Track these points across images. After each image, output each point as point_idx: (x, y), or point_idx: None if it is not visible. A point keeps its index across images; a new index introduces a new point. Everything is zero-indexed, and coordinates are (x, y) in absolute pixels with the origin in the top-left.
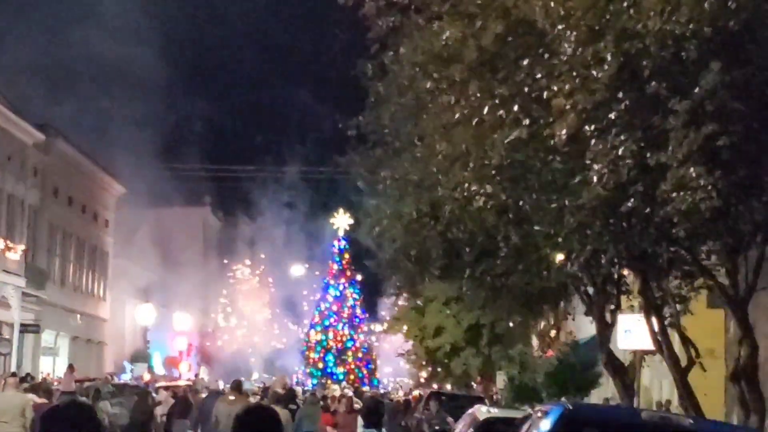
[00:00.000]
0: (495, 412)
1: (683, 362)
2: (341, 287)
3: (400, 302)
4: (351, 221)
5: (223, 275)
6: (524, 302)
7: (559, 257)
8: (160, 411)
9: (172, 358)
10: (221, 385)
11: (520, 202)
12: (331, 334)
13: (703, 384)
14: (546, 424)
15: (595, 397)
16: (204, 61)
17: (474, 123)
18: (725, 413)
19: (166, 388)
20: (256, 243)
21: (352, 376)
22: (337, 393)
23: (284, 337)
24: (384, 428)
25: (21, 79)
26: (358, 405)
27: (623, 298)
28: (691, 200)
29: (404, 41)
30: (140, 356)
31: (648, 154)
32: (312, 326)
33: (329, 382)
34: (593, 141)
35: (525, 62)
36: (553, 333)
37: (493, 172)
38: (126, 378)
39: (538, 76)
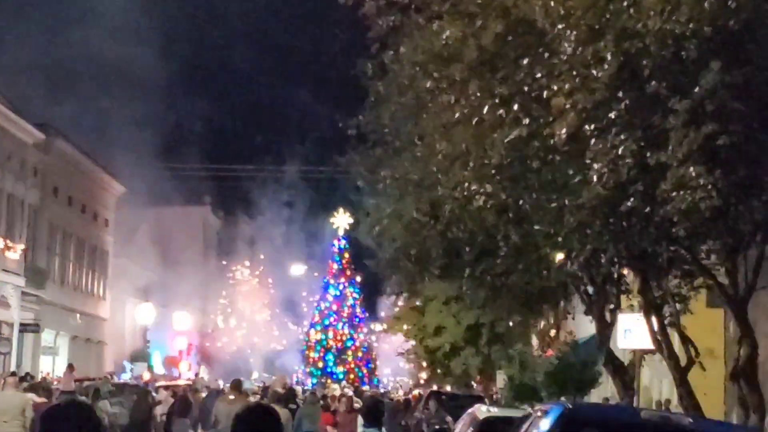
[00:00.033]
0: (495, 411)
1: (683, 361)
2: (341, 287)
3: (400, 302)
4: (351, 221)
5: (222, 276)
6: (524, 301)
7: (559, 257)
8: (159, 410)
9: (171, 358)
10: (221, 384)
11: (520, 202)
12: (331, 334)
13: (702, 383)
14: (546, 423)
15: (595, 396)
16: (204, 61)
17: (474, 122)
18: (725, 413)
19: (166, 387)
20: (256, 242)
21: (351, 376)
22: (337, 392)
23: (284, 339)
24: (384, 428)
25: (21, 79)
26: (357, 404)
27: (623, 297)
28: (691, 200)
29: (404, 41)
30: (140, 356)
31: (648, 154)
32: (312, 325)
33: (329, 381)
34: (593, 140)
35: (525, 61)
36: (552, 332)
37: (493, 171)
38: (126, 377)
39: (538, 75)
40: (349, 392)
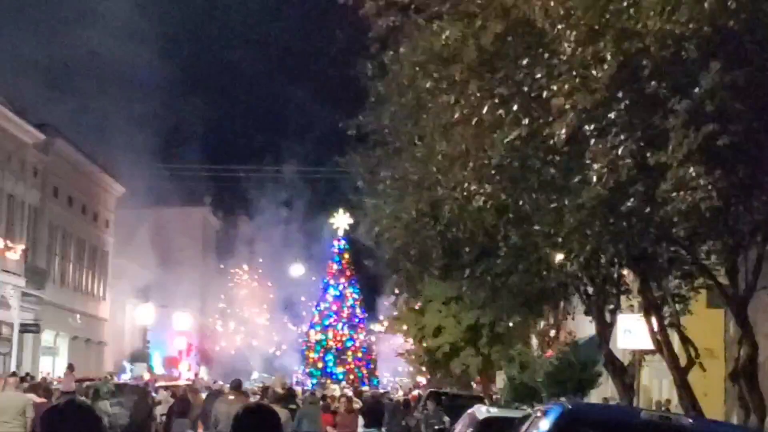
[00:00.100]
0: (494, 411)
1: (683, 362)
2: (341, 287)
3: (400, 303)
4: (350, 221)
5: (222, 276)
6: (524, 302)
7: (559, 257)
8: (159, 410)
9: (171, 358)
10: (221, 384)
11: (520, 202)
12: (330, 334)
13: (702, 384)
14: (545, 423)
15: (595, 396)
16: (204, 61)
17: (474, 123)
18: (725, 413)
19: (166, 387)
20: (255, 243)
21: (351, 376)
22: (337, 393)
23: (283, 343)
24: (384, 428)
25: (21, 79)
26: (357, 405)
27: (623, 297)
28: (691, 200)
29: (404, 41)
30: (140, 356)
31: (648, 154)
32: (312, 326)
33: (329, 381)
34: (593, 141)
35: (524, 62)
36: (552, 333)
37: (493, 171)
38: (126, 378)
39: (538, 75)
40: (349, 393)
